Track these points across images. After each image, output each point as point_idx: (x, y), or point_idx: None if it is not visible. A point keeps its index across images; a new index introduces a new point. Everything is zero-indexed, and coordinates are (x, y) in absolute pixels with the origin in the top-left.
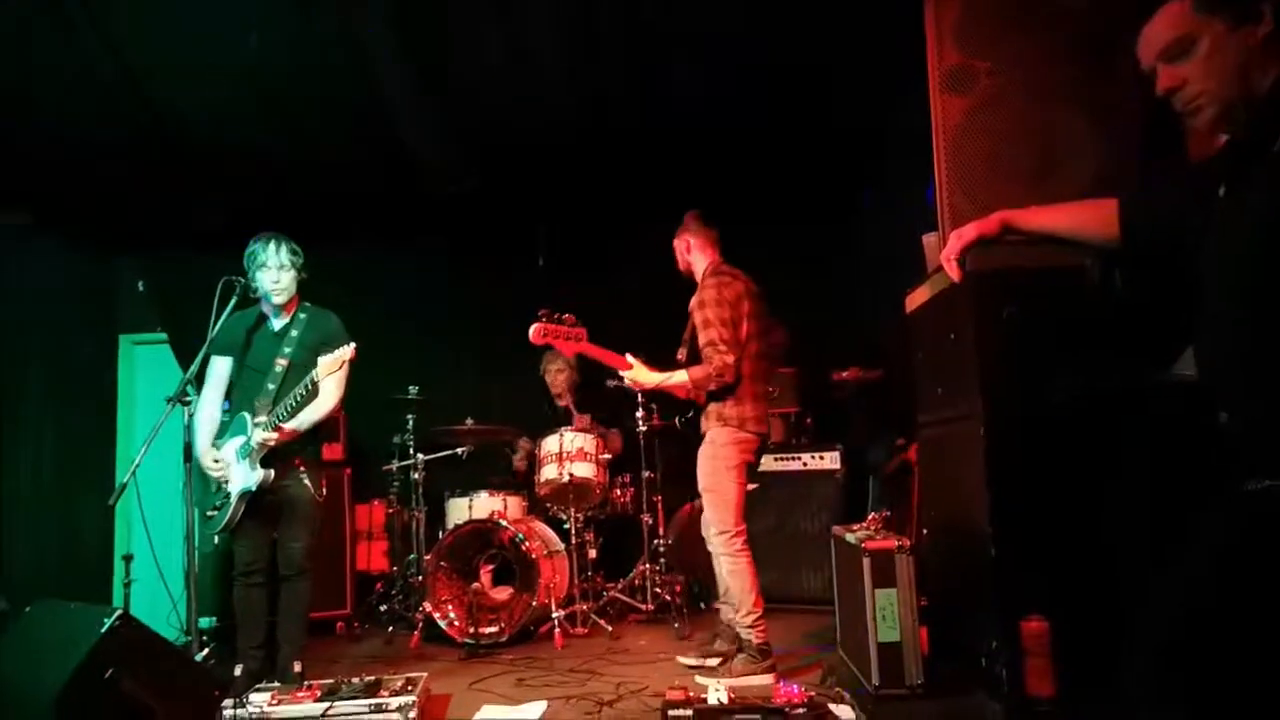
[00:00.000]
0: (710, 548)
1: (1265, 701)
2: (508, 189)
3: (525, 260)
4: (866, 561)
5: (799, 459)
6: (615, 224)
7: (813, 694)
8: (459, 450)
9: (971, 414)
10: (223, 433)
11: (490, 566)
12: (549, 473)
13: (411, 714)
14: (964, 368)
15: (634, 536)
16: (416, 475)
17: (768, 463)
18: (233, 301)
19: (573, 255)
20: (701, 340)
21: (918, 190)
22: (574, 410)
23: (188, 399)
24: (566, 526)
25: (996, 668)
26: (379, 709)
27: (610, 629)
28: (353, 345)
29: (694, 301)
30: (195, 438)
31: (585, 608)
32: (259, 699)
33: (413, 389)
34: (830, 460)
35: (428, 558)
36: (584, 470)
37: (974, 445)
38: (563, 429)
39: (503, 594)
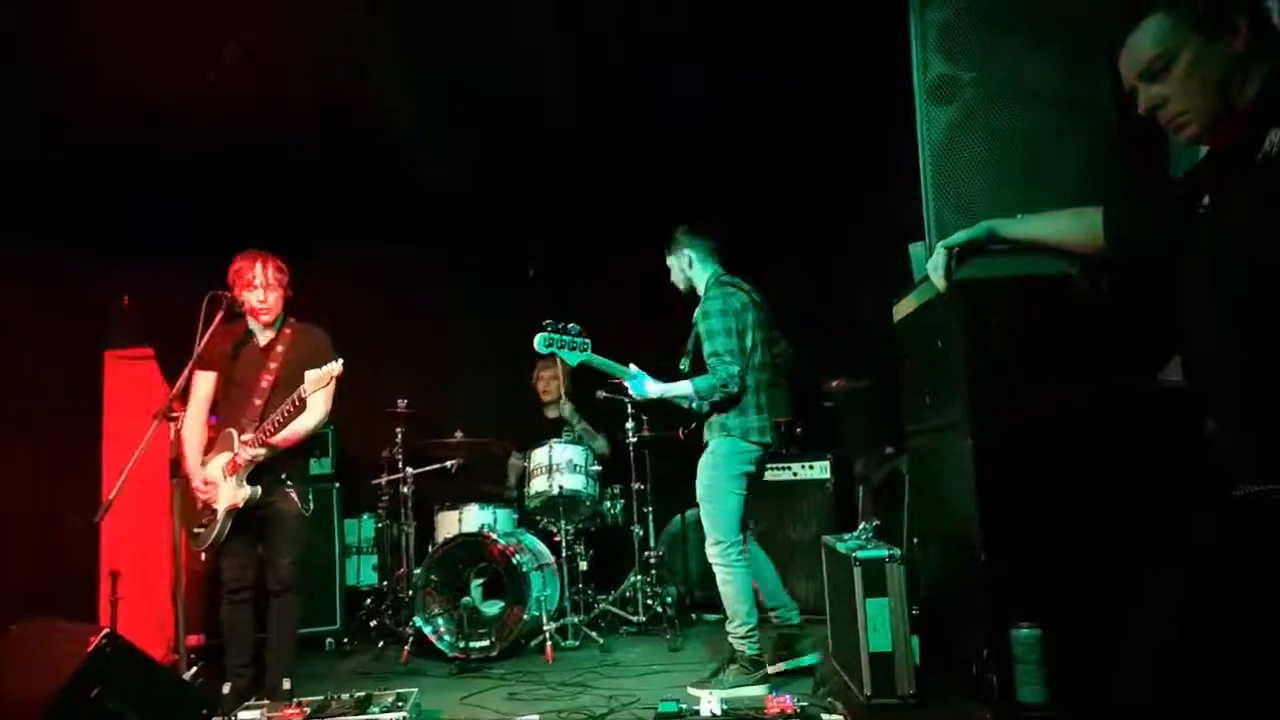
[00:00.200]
0: (709, 558)
1: (1260, 705)
2: (500, 198)
3: (516, 271)
4: (858, 571)
5: (789, 468)
6: (606, 233)
7: (805, 704)
8: (448, 464)
9: (960, 422)
10: (209, 449)
11: (481, 580)
12: (539, 485)
13: None
14: (952, 376)
15: (625, 548)
16: (406, 489)
17: None
18: (218, 317)
19: (565, 264)
20: (706, 351)
21: (906, 198)
22: (565, 418)
23: (174, 415)
24: (557, 539)
25: (987, 676)
26: None
27: (602, 641)
28: (340, 361)
29: (698, 312)
30: (184, 456)
31: (576, 620)
32: (248, 717)
33: (402, 402)
34: (820, 469)
35: (417, 572)
36: (574, 482)
37: (963, 453)
38: (552, 441)
39: (493, 608)
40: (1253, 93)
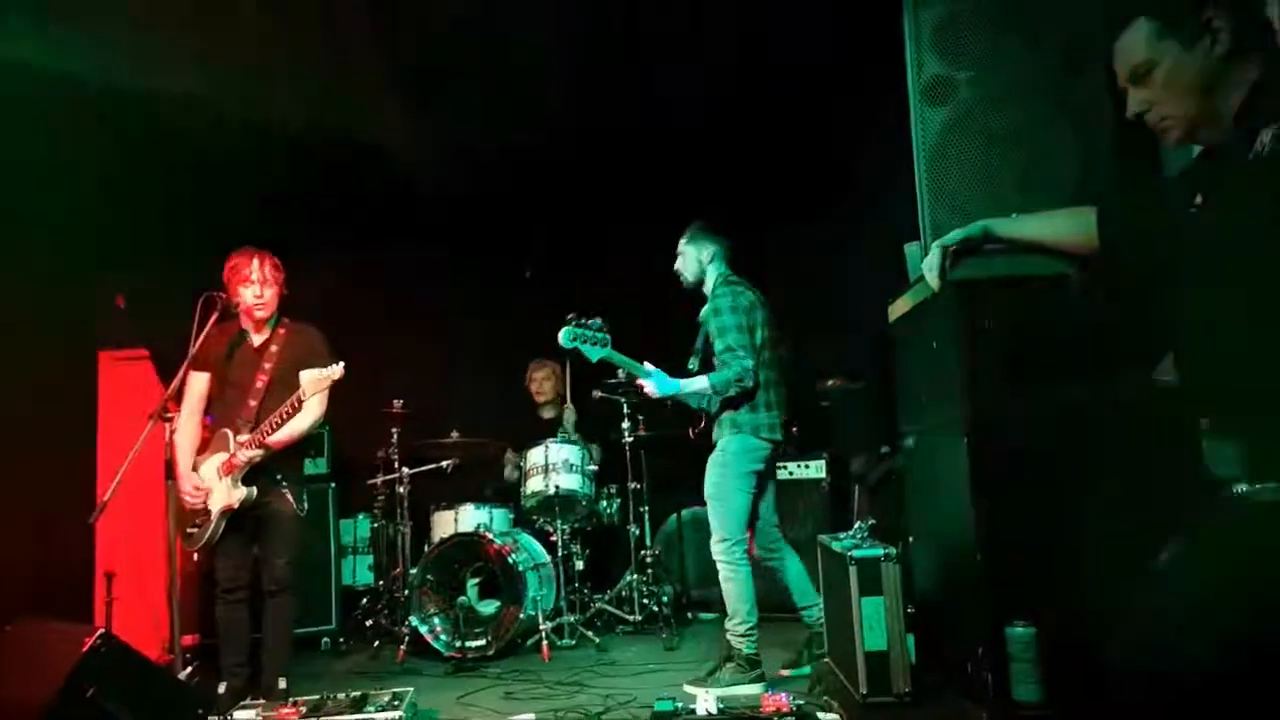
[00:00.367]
0: (713, 555)
1: (1254, 704)
2: (498, 198)
3: (513, 272)
4: (853, 570)
5: (785, 468)
6: (605, 233)
7: (801, 703)
8: (444, 464)
9: (954, 422)
10: (203, 449)
11: (477, 580)
12: (535, 485)
13: None
14: (947, 376)
15: (621, 548)
16: (402, 489)
17: None
18: (213, 317)
19: (563, 265)
20: (718, 346)
21: (901, 197)
22: (565, 428)
23: (169, 416)
24: (553, 538)
25: (982, 674)
26: None
27: (598, 641)
28: (341, 365)
29: (708, 309)
30: (175, 461)
31: (572, 619)
32: (243, 716)
33: (397, 403)
34: (816, 469)
35: (413, 572)
36: (570, 482)
37: (958, 453)
38: (548, 441)
39: (489, 607)
40: (1241, 94)
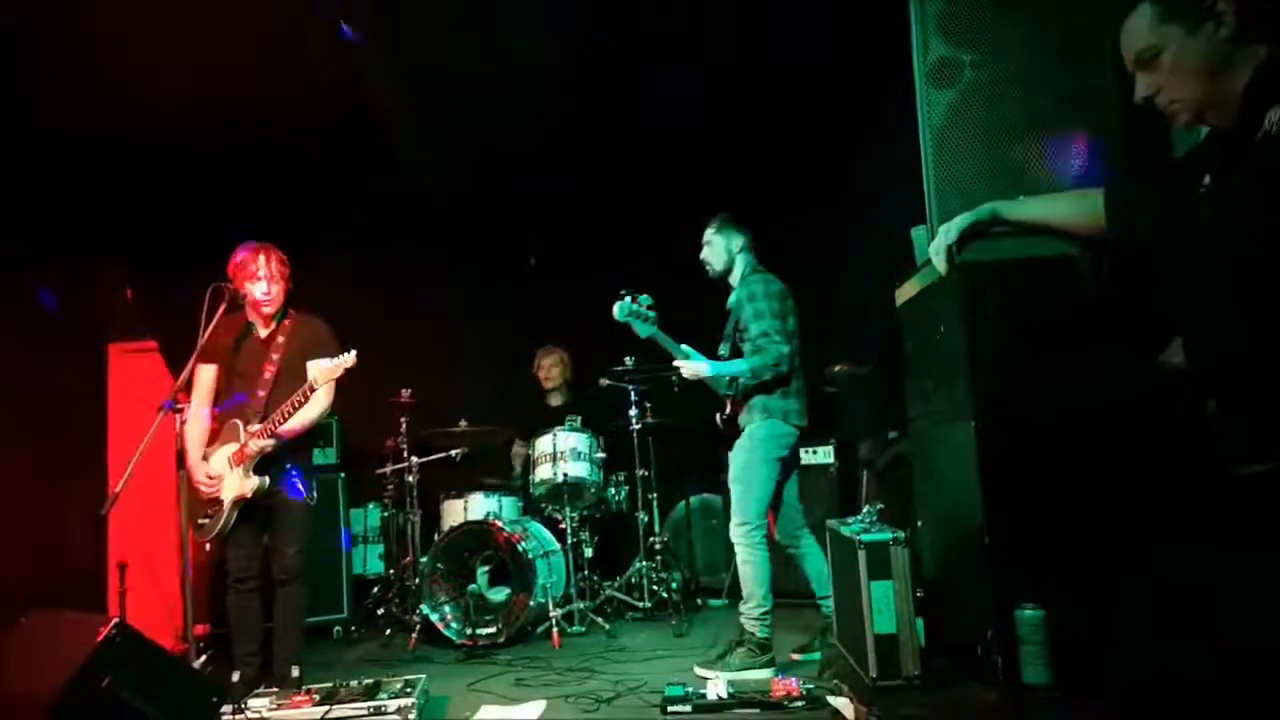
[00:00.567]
0: (731, 538)
1: (1265, 684)
2: (500, 190)
3: (518, 261)
4: (862, 554)
5: None
6: (607, 222)
7: (810, 687)
8: (453, 452)
9: (962, 405)
10: (211, 440)
11: (487, 567)
12: (544, 473)
13: (410, 716)
14: (954, 359)
15: (630, 535)
16: (411, 478)
17: None
18: (221, 309)
19: (566, 255)
20: (753, 331)
21: (908, 181)
22: (568, 407)
23: (179, 407)
24: (562, 526)
25: (992, 657)
26: (377, 712)
27: (608, 627)
28: (353, 353)
29: (742, 295)
30: (186, 451)
31: (582, 606)
32: (258, 705)
33: (405, 392)
34: (824, 454)
35: (424, 560)
36: (578, 470)
37: (965, 436)
38: (556, 429)
39: (499, 595)
40: (1247, 75)
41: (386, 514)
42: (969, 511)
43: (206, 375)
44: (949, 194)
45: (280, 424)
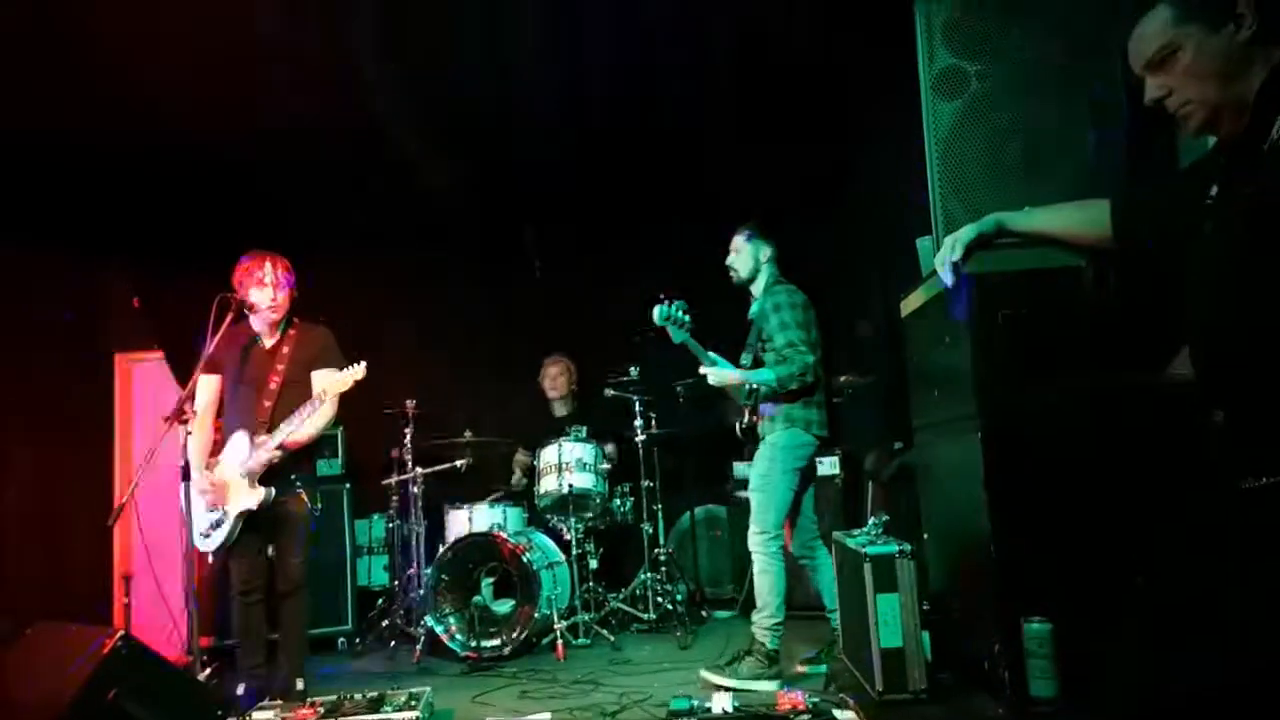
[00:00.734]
0: (749, 546)
1: (1267, 695)
2: (502, 198)
3: (521, 271)
4: (868, 567)
5: None
6: (609, 231)
7: (816, 700)
8: (457, 463)
9: (968, 417)
10: (216, 451)
11: (491, 579)
12: (548, 484)
13: None
14: (960, 371)
15: (635, 546)
16: (415, 489)
17: None
18: (227, 318)
19: (570, 264)
20: (779, 341)
21: (913, 191)
22: (573, 416)
23: (185, 417)
24: (567, 537)
25: (999, 670)
26: None
27: (612, 639)
28: (363, 365)
29: (767, 306)
30: (190, 461)
31: (587, 618)
32: (262, 717)
33: (409, 402)
34: (829, 465)
35: (428, 572)
36: (583, 481)
37: (971, 448)
38: (561, 440)
39: (504, 606)
40: (1258, 81)
41: (391, 525)
42: (975, 523)
43: (211, 385)
44: (954, 204)
45: (286, 435)
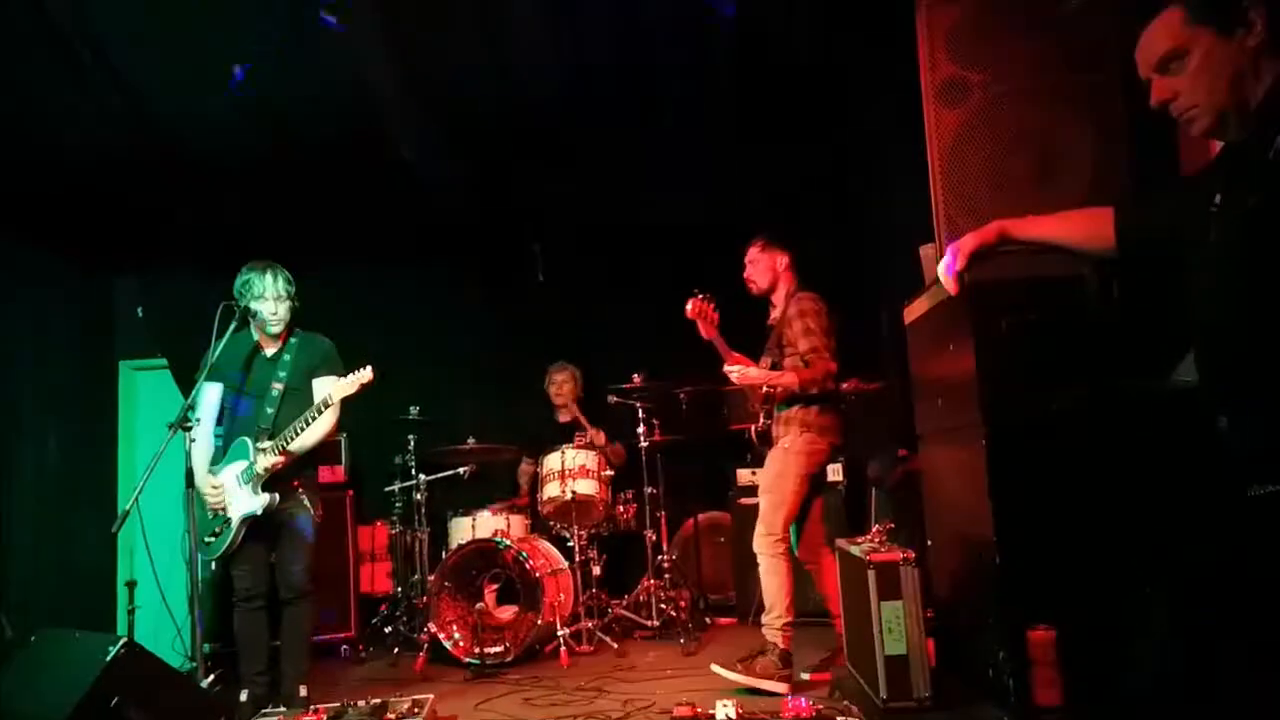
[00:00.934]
0: (755, 548)
1: (1272, 702)
2: (506, 206)
3: (524, 278)
4: (872, 574)
5: None
6: (613, 241)
7: (820, 707)
8: (461, 470)
9: (972, 424)
10: (218, 458)
11: (494, 586)
12: (552, 490)
13: None
14: (963, 378)
15: (638, 553)
16: (419, 496)
17: None
18: (231, 327)
19: (573, 272)
20: (803, 346)
21: (917, 199)
22: (583, 420)
23: (189, 425)
24: (570, 544)
25: (1004, 678)
26: None
27: (616, 646)
28: (370, 369)
29: (791, 312)
30: (195, 467)
31: (590, 625)
32: None
33: (413, 409)
34: (833, 472)
35: (431, 578)
36: (586, 487)
37: (975, 456)
38: (564, 447)
39: (507, 613)
40: (1264, 89)
41: (394, 532)
42: (979, 531)
43: (214, 393)
44: (957, 212)
45: (288, 442)
